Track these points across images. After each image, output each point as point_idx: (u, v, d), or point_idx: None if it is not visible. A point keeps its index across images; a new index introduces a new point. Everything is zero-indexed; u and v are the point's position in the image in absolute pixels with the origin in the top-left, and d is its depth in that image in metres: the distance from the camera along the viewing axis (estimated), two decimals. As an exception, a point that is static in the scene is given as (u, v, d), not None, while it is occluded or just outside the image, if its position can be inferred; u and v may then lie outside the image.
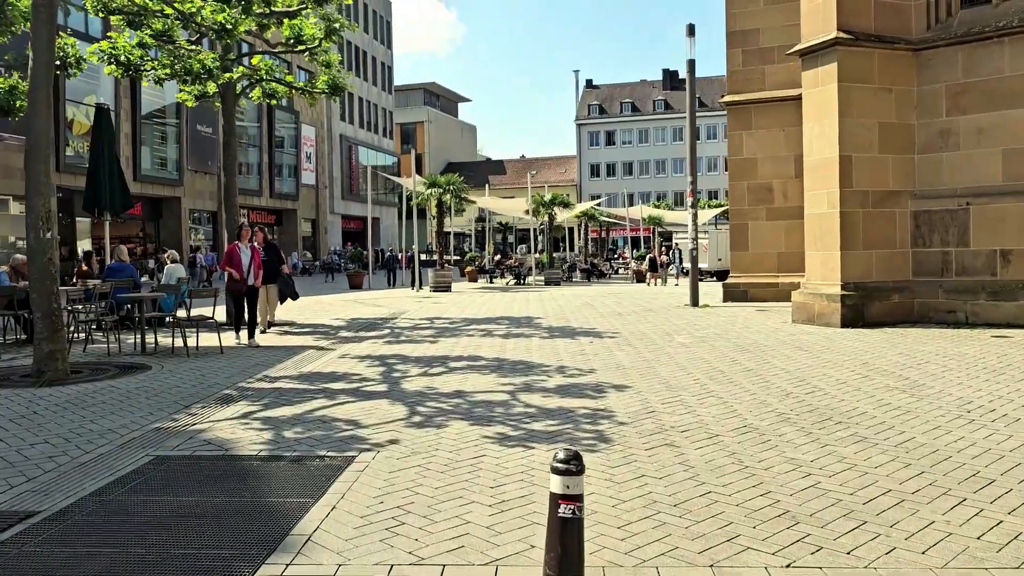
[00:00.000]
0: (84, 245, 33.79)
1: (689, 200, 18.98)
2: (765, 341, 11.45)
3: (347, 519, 4.40)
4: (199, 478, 5.25)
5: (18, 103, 14.36)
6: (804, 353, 10.23)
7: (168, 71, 14.39)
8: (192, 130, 40.56)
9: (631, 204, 51.56)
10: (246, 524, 4.35)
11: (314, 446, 5.96)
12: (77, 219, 34.01)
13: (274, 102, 17.10)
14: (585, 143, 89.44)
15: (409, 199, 32.33)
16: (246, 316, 12.21)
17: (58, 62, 14.78)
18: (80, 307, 12.63)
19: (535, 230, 41.82)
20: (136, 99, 36.47)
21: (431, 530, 4.22)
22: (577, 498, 2.99)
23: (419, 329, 14.39)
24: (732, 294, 18.22)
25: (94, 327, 12.81)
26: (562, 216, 42.22)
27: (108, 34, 14.63)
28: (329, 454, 5.73)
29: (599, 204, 52.67)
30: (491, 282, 35.15)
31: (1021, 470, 5.10)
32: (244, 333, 12.17)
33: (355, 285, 31.63)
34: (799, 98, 16.49)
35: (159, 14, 13.45)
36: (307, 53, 15.23)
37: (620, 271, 44.89)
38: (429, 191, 29.89)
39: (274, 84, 15.96)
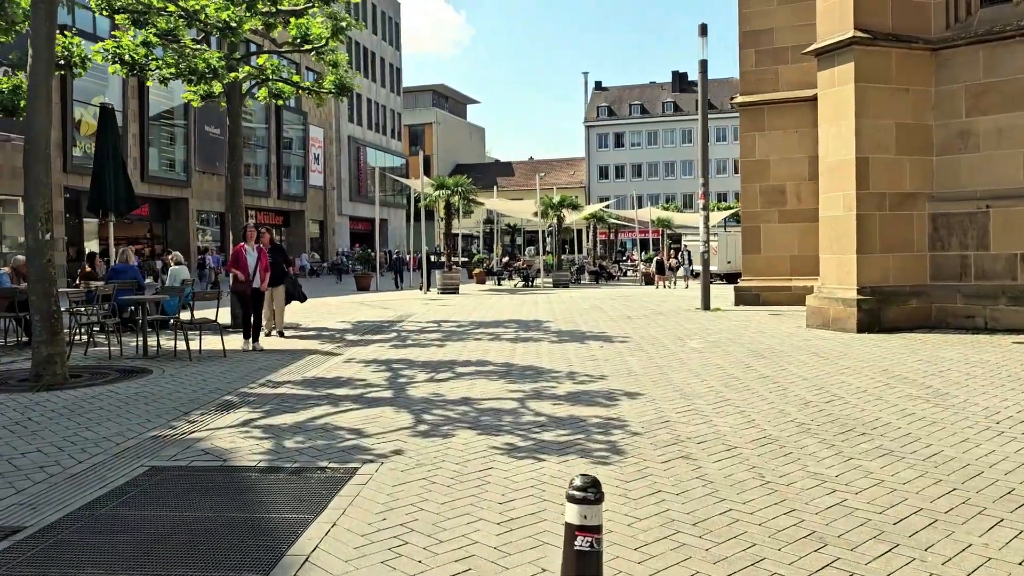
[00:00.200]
0: (92, 246, 33.68)
1: (700, 202, 18.70)
2: (780, 346, 11.18)
3: (347, 538, 4.17)
4: (194, 491, 5.03)
5: (23, 103, 14.18)
6: (821, 359, 9.96)
7: (173, 71, 14.21)
8: (200, 131, 40.45)
9: (640, 206, 51.30)
10: (241, 542, 4.12)
11: (315, 456, 5.74)
12: (85, 220, 33.89)
13: (280, 102, 16.91)
14: (594, 145, 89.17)
15: (417, 201, 32.12)
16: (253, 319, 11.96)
17: (63, 61, 14.64)
18: (82, 309, 12.43)
19: (543, 232, 41.58)
20: (144, 100, 36.36)
21: (436, 551, 3.98)
22: (595, 529, 2.74)
23: (426, 332, 14.16)
24: (744, 298, 17.94)
25: (96, 330, 12.62)
26: (570, 218, 41.96)
27: (113, 33, 14.44)
28: (331, 465, 5.50)
29: (608, 206, 52.34)
30: (499, 284, 34.94)
31: (1059, 487, 4.84)
32: (253, 343, 11.89)
33: (362, 287, 31.45)
34: (813, 99, 16.22)
35: (163, 11, 13.26)
36: (314, 53, 15.03)
37: (629, 273, 44.61)
38: (437, 193, 29.71)
39: (280, 84, 15.76)
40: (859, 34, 12.72)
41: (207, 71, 13.65)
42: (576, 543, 2.73)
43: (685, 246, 36.03)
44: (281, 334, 13.38)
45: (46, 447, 6.14)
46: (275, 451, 5.91)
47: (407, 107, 77.38)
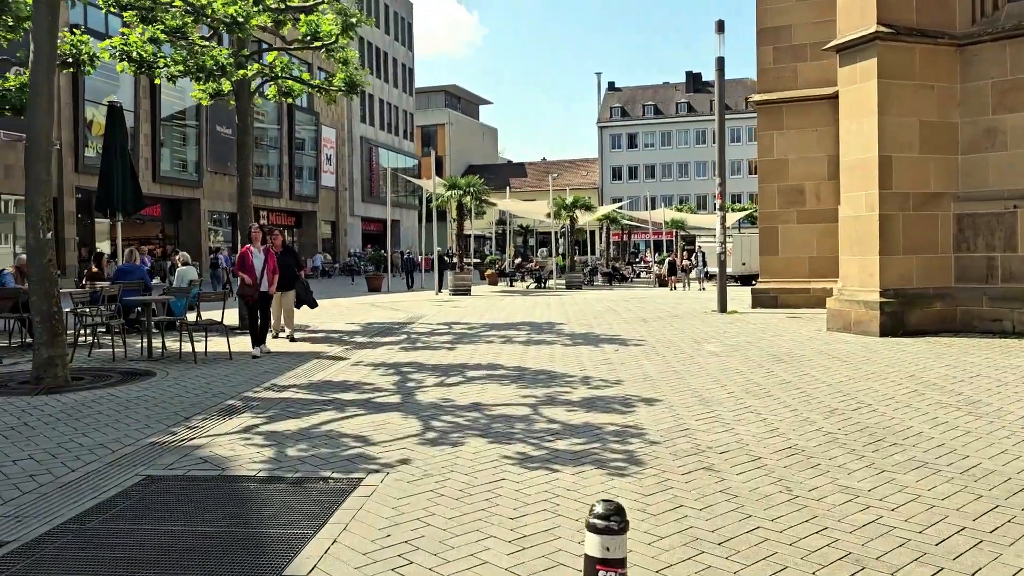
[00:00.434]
0: (104, 246, 33.63)
1: (717, 202, 18.34)
2: (800, 350, 10.84)
3: (348, 556, 3.89)
4: (189, 502, 4.77)
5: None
6: (844, 364, 9.62)
7: (181, 68, 14.00)
8: (212, 131, 40.39)
9: (653, 207, 50.90)
10: (235, 560, 3.86)
11: (318, 466, 5.47)
12: (96, 220, 33.85)
13: (290, 100, 16.68)
14: (607, 146, 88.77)
15: (429, 201, 31.89)
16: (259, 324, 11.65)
17: (71, 59, 14.48)
18: (87, 310, 12.24)
19: (556, 233, 41.27)
20: (156, 100, 36.32)
21: (443, 571, 3.70)
22: (619, 563, 2.43)
23: (436, 335, 13.89)
24: (761, 300, 17.57)
25: (102, 331, 12.42)
26: (583, 219, 41.63)
27: (121, 30, 14.24)
28: (334, 476, 5.23)
29: (621, 207, 51.95)
30: (511, 285, 34.65)
31: (1111, 505, 4.51)
32: (261, 345, 11.58)
33: (374, 288, 31.24)
34: (832, 97, 15.87)
35: (170, 7, 13.04)
36: (324, 50, 14.79)
37: (642, 275, 44.22)
38: (449, 193, 29.46)
39: (290, 82, 15.54)
40: (882, 29, 12.36)
41: (215, 68, 13.43)
42: (598, 579, 2.42)
43: (700, 247, 35.59)
44: (291, 339, 13.02)
45: (39, 454, 5.90)
46: (276, 459, 5.65)
47: (419, 108, 77.24)
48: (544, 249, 53.52)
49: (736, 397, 7.67)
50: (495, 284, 35.44)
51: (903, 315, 12.35)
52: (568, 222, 37.99)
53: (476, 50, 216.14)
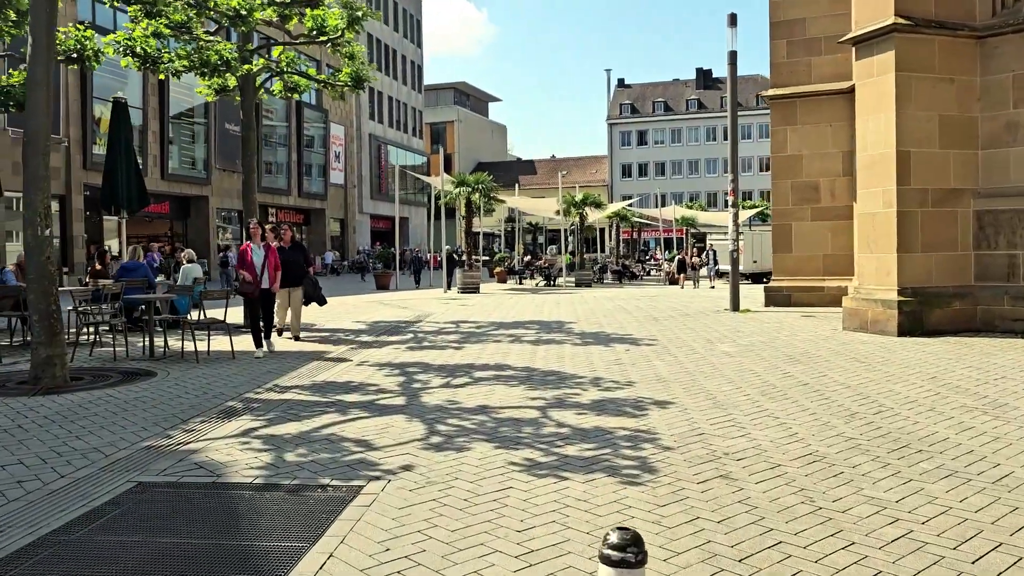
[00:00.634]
0: (112, 243, 33.55)
1: (730, 198, 18.04)
2: (817, 351, 10.56)
3: (344, 571, 3.66)
4: (180, 511, 4.56)
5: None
6: (862, 365, 9.33)
7: (185, 63, 13.80)
8: (220, 128, 40.27)
9: (663, 205, 50.53)
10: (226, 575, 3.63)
11: (318, 472, 5.25)
12: (105, 218, 33.75)
13: (296, 96, 16.48)
14: (617, 143, 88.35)
15: (438, 198, 31.67)
16: (262, 323, 11.42)
17: (75, 55, 14.31)
18: (90, 308, 12.05)
19: (565, 231, 41.00)
20: (164, 98, 36.21)
21: (444, 591, 3.47)
22: (637, 600, 2.19)
23: (444, 334, 13.66)
24: (774, 298, 17.27)
25: (105, 330, 12.24)
26: (593, 217, 41.37)
27: (125, 25, 14.06)
28: (333, 483, 5.00)
29: (631, 204, 51.62)
30: (520, 283, 34.40)
31: None
32: (265, 342, 11.37)
33: (382, 285, 31.06)
34: (848, 91, 15.57)
35: (173, 0, 12.85)
36: (329, 44, 14.57)
37: (652, 273, 43.90)
38: (458, 190, 29.25)
39: (296, 77, 15.32)
40: (900, 21, 12.05)
41: (220, 63, 13.22)
42: (613, 617, 2.16)
43: (711, 245, 35.22)
44: (296, 338, 12.77)
45: (30, 458, 5.70)
46: (274, 465, 5.43)
47: (429, 105, 77.06)
48: (553, 246, 53.31)
49: (752, 399, 7.40)
50: (504, 282, 35.20)
51: (921, 314, 12.05)
52: (577, 219, 37.74)
53: (485, 47, 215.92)
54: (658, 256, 52.88)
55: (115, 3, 13.37)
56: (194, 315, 12.10)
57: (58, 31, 13.96)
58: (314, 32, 14.46)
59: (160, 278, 14.77)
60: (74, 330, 11.79)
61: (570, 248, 40.92)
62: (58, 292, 8.86)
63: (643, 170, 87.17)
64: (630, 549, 2.15)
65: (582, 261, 36.59)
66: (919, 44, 12.23)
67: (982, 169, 12.38)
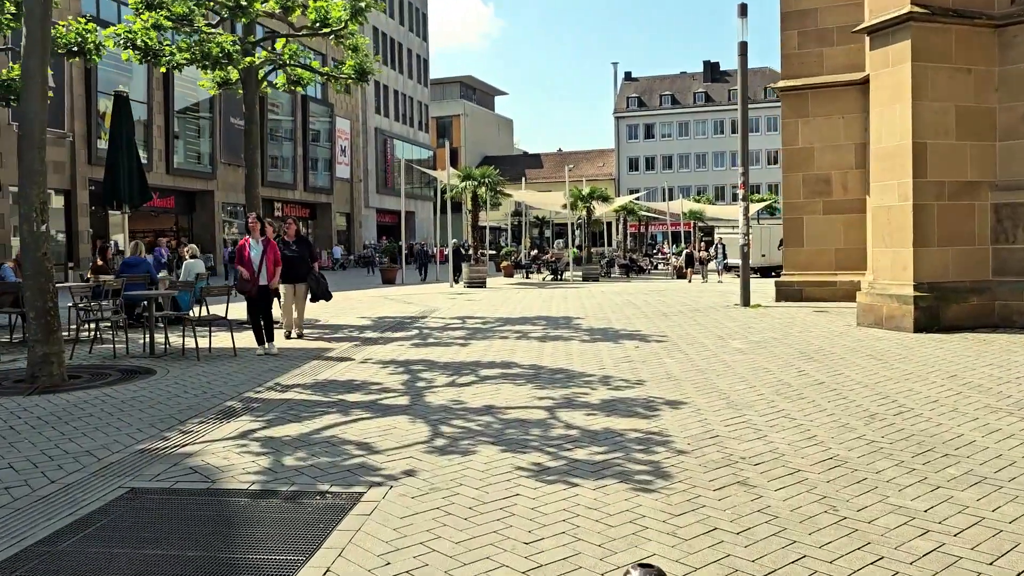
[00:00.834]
0: (118, 238, 33.42)
1: (740, 192, 17.76)
2: (831, 347, 10.30)
3: (341, 589, 3.45)
4: (171, 520, 4.35)
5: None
6: (879, 363, 9.08)
7: (187, 56, 13.59)
8: (225, 123, 40.10)
9: (671, 198, 50.18)
10: (213, 595, 3.42)
11: (317, 477, 5.04)
12: (111, 213, 33.60)
13: (300, 89, 16.25)
14: (624, 136, 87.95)
15: (444, 193, 31.43)
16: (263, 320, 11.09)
17: (76, 48, 14.12)
18: (90, 304, 11.88)
19: (572, 225, 40.71)
20: (169, 92, 36.04)
21: (447, 611, 3.25)
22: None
23: (449, 330, 13.45)
24: (786, 293, 17.00)
25: (107, 326, 12.07)
26: (600, 210, 41.09)
27: (126, 17, 13.86)
28: (332, 489, 4.79)
29: (638, 198, 51.31)
30: (527, 277, 34.16)
31: None
32: (268, 344, 11.08)
33: (388, 280, 30.86)
34: (861, 82, 15.28)
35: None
36: (333, 36, 14.33)
37: (659, 267, 43.61)
38: (464, 184, 29.02)
39: (299, 70, 15.10)
40: (916, 9, 11.75)
41: (221, 55, 13.00)
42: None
43: (719, 239, 34.90)
44: (300, 336, 12.48)
45: (20, 462, 5.51)
46: (272, 470, 5.22)
47: (435, 99, 76.75)
48: (560, 241, 53.03)
49: (767, 399, 7.17)
50: (511, 276, 34.97)
51: (938, 310, 11.77)
52: (584, 213, 37.46)
53: (492, 41, 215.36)
54: (665, 250, 52.61)
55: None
56: (196, 311, 11.92)
57: (59, 24, 13.79)
58: (317, 24, 14.23)
59: (163, 274, 14.56)
60: (73, 327, 11.62)
61: (577, 242, 40.65)
62: (56, 289, 8.67)
63: (650, 164, 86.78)
64: (654, 588, 1.93)
65: (589, 255, 36.30)
66: (936, 33, 11.93)
67: (1000, 161, 12.09)
